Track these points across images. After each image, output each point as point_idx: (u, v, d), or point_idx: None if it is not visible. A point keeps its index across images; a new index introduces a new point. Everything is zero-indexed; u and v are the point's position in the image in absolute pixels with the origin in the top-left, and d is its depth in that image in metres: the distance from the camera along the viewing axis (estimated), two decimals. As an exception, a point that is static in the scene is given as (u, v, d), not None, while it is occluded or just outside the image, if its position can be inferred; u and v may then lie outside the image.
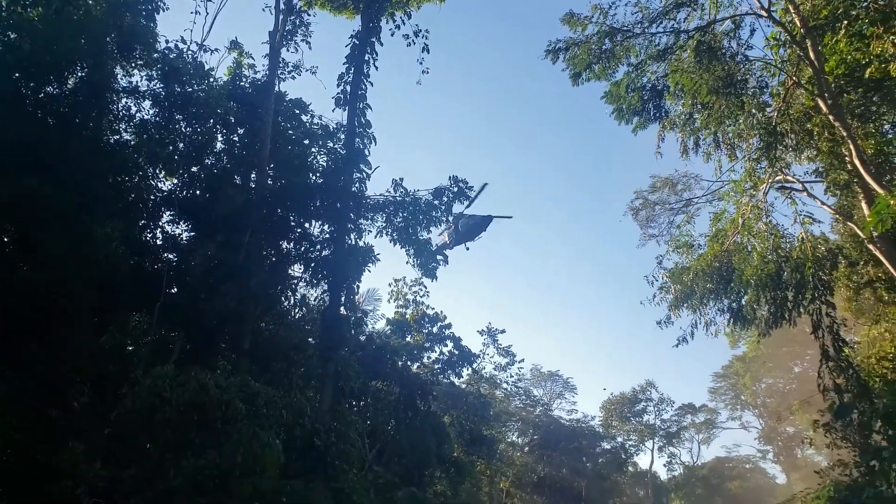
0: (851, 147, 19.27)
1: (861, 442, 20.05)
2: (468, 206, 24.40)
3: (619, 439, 78.84)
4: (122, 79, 21.36)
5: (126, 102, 21.51)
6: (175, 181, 22.72)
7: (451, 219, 24.50)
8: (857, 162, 19.24)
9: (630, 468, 79.37)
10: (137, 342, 21.33)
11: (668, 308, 27.54)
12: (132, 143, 21.41)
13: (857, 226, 21.68)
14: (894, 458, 8.84)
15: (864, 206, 20.77)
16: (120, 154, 20.39)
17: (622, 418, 78.32)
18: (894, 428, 8.55)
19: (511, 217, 25.78)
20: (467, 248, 25.52)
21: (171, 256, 21.92)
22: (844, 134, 19.63)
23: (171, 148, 21.73)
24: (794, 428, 72.82)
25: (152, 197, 21.75)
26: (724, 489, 78.47)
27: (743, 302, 25.42)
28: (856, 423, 20.64)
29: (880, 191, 17.42)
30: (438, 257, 24.70)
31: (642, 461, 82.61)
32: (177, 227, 22.46)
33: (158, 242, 22.06)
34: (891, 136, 22.57)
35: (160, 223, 22.23)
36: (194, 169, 23.08)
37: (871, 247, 21.00)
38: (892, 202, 14.81)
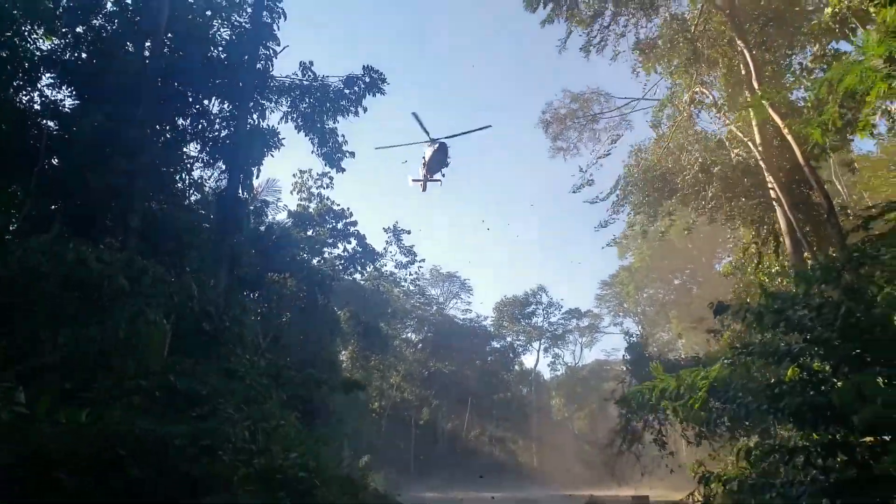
0: (751, 66, 20.33)
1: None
2: (451, 137, 25.55)
3: (509, 339, 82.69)
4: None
5: (-8, -55, 19.05)
6: (57, 41, 20.60)
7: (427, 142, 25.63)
8: (755, 84, 20.56)
9: (517, 367, 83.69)
10: (12, 215, 19.82)
11: (613, 203, 30.05)
12: (4, -8, 19.10)
13: (750, 141, 22.89)
14: (760, 355, 9.97)
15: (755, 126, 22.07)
16: (-14, 4, 18.18)
17: (513, 319, 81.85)
18: (762, 327, 9.55)
19: (490, 126, 27.46)
20: (443, 175, 26.76)
21: (51, 124, 20.03)
22: (746, 54, 20.65)
23: (51, 2, 19.60)
24: (668, 335, 78.46)
25: (29, 56, 19.63)
26: (601, 389, 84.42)
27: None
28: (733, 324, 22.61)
29: None
30: (345, 149, 24.07)
31: (528, 361, 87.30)
32: (59, 92, 20.54)
33: (37, 107, 20.11)
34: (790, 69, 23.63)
35: (39, 86, 20.25)
36: (80, 29, 20.95)
37: (758, 158, 22.26)
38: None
